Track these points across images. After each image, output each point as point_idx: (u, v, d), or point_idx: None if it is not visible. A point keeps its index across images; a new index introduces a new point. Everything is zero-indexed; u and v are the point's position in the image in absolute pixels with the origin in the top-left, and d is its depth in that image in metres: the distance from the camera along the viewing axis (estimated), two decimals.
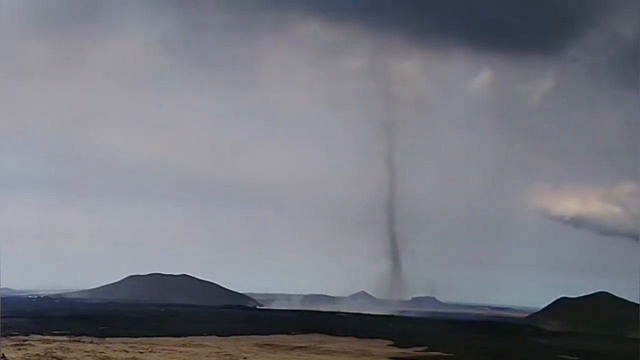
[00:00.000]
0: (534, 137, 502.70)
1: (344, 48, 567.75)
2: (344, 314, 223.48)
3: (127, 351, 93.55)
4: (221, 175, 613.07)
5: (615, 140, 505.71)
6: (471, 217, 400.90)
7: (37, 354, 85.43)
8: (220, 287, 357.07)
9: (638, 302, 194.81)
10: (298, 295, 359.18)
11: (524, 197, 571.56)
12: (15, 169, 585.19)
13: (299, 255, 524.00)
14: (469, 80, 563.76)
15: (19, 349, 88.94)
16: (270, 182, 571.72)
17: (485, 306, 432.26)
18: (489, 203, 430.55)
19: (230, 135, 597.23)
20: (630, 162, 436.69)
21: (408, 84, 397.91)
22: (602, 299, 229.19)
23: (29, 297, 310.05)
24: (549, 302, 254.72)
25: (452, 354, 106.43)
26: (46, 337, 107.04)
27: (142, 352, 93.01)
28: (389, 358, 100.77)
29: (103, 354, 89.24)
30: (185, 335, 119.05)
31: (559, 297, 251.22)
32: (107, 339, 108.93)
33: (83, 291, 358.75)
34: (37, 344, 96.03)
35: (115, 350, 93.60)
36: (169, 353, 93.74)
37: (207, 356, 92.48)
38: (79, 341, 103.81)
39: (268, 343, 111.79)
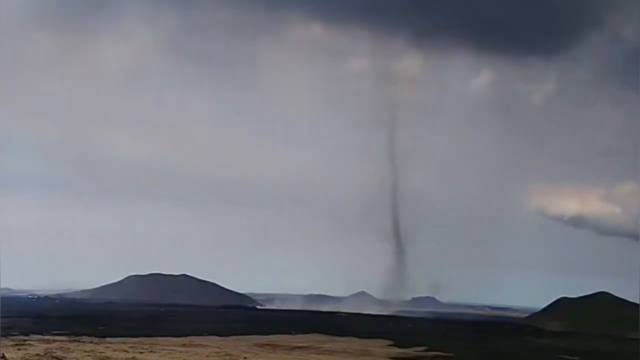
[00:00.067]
0: (534, 137, 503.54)
1: (345, 48, 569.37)
2: (344, 314, 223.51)
3: (127, 351, 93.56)
4: (221, 175, 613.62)
5: (616, 140, 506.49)
6: (471, 217, 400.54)
7: (37, 354, 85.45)
8: (220, 287, 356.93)
9: (638, 302, 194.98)
10: (298, 295, 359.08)
11: (524, 197, 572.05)
12: (15, 169, 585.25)
13: (299, 255, 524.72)
14: (470, 80, 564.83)
15: (19, 349, 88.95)
16: (270, 182, 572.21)
17: (485, 306, 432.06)
18: (489, 203, 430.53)
19: (231, 135, 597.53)
20: (631, 162, 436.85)
21: (408, 85, 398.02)
22: (602, 299, 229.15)
23: (29, 297, 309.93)
24: (549, 302, 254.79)
25: (452, 354, 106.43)
26: (46, 337, 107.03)
27: (142, 352, 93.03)
28: (389, 358, 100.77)
29: (103, 354, 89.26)
30: (185, 335, 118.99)
31: (559, 297, 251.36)
32: (107, 339, 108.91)
33: (83, 291, 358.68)
34: (37, 344, 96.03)
35: (115, 350, 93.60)
36: (169, 353, 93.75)
37: (207, 356, 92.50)
38: (79, 341, 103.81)
39: (268, 343, 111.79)
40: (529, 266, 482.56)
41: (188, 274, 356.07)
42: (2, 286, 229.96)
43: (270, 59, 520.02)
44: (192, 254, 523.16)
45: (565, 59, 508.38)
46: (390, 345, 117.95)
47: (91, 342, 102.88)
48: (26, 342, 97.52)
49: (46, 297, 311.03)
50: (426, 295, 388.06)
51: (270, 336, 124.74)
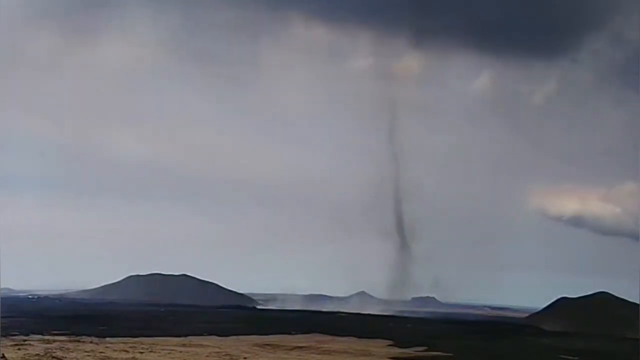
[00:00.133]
0: (534, 137, 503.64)
1: (345, 48, 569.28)
2: (344, 314, 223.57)
3: (127, 351, 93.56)
4: (221, 175, 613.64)
5: (616, 140, 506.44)
6: (472, 217, 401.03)
7: (37, 354, 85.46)
8: (220, 287, 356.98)
9: (638, 302, 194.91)
10: (298, 295, 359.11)
11: (524, 197, 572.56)
12: (15, 169, 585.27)
13: (299, 255, 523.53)
14: (470, 80, 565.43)
15: (19, 349, 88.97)
16: (270, 182, 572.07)
17: (485, 306, 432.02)
18: (489, 203, 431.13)
19: (231, 135, 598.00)
20: (631, 162, 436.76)
21: (409, 85, 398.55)
22: (602, 299, 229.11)
23: (29, 297, 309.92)
24: (549, 302, 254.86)
25: (452, 354, 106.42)
26: (46, 337, 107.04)
27: (142, 352, 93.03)
28: (389, 358, 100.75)
29: (103, 354, 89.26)
30: (185, 335, 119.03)
31: (559, 297, 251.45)
32: (107, 339, 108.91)
33: (83, 291, 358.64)
34: (37, 344, 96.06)
35: (115, 350, 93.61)
36: (169, 353, 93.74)
37: (207, 356, 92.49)
38: (79, 341, 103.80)
39: (268, 343, 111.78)
40: (529, 266, 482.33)
41: (188, 274, 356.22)
42: (2, 286, 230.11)
43: (270, 59, 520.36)
44: (192, 254, 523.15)
45: (565, 59, 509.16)
46: (390, 345, 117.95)
47: (91, 342, 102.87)
48: (26, 342, 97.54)
49: (46, 297, 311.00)
50: (426, 295, 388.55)
51: (270, 336, 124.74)
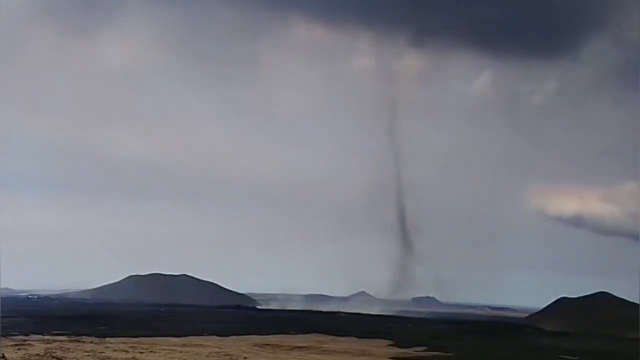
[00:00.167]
0: (534, 137, 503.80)
1: (345, 48, 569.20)
2: (344, 314, 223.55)
3: (127, 351, 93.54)
4: (221, 175, 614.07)
5: (616, 140, 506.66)
6: (472, 217, 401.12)
7: (37, 354, 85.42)
8: (220, 287, 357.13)
9: (638, 302, 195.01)
10: (298, 295, 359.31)
11: (524, 197, 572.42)
12: (15, 169, 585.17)
13: (299, 255, 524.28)
14: (471, 80, 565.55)
15: (19, 349, 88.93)
16: (270, 182, 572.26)
17: (485, 306, 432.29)
18: (489, 203, 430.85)
19: (231, 135, 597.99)
20: (631, 162, 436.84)
21: (409, 85, 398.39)
22: (602, 299, 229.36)
23: (29, 297, 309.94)
24: (549, 302, 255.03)
25: (452, 354, 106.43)
26: (46, 337, 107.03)
27: (142, 352, 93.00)
28: (389, 358, 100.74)
29: (103, 354, 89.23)
30: (185, 335, 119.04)
31: (559, 297, 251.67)
32: (107, 339, 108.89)
33: (83, 291, 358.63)
34: (37, 344, 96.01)
35: (115, 350, 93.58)
36: (169, 353, 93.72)
37: (207, 356, 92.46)
38: (79, 341, 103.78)
39: (268, 343, 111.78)
40: (529, 266, 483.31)
41: (188, 274, 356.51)
42: (2, 286, 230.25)
43: (270, 59, 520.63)
44: (192, 254, 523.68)
45: (565, 59, 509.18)
46: (390, 345, 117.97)
47: (91, 342, 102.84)
48: (26, 342, 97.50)
49: (46, 297, 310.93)
50: (426, 295, 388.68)
51: (270, 336, 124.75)
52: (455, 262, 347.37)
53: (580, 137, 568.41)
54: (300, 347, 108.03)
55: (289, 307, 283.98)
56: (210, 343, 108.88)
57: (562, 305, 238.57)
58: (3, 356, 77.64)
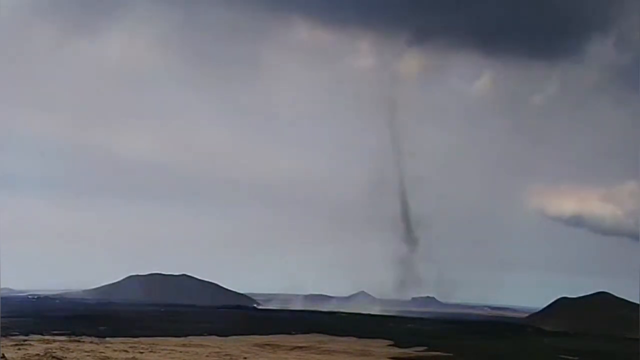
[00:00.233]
0: (535, 137, 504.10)
1: (345, 48, 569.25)
2: (344, 314, 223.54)
3: (127, 351, 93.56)
4: (221, 175, 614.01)
5: (616, 140, 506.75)
6: (472, 217, 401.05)
7: (37, 354, 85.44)
8: (220, 287, 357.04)
9: (638, 302, 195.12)
10: (298, 295, 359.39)
11: (524, 197, 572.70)
12: (15, 169, 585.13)
13: (299, 255, 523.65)
14: (471, 80, 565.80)
15: (19, 349, 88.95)
16: (270, 182, 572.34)
17: (485, 306, 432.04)
18: (489, 203, 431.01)
19: (231, 135, 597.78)
20: (631, 162, 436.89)
21: (409, 85, 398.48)
22: (602, 299, 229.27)
23: (29, 297, 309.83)
24: (549, 302, 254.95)
25: (452, 354, 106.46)
26: (46, 337, 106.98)
27: (142, 352, 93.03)
28: (389, 358, 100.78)
29: (103, 354, 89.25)
30: (185, 335, 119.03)
31: (559, 297, 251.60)
32: (107, 339, 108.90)
33: (83, 291, 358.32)
34: (37, 344, 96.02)
35: (115, 350, 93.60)
36: (169, 353, 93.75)
37: (207, 356, 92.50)
38: (79, 341, 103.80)
39: (268, 343, 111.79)
40: (529, 266, 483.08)
41: (188, 274, 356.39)
42: (2, 286, 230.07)
43: (270, 59, 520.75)
44: (192, 254, 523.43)
45: (566, 59, 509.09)
46: (390, 345, 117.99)
47: (91, 342, 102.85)
48: (26, 342, 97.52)
49: (46, 297, 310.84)
50: (426, 295, 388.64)
51: (270, 336, 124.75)
52: (456, 262, 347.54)
53: (580, 137, 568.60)
54: (300, 347, 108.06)
55: (289, 307, 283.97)
56: (210, 343, 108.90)
57: (562, 305, 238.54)
58: (3, 356, 77.66)
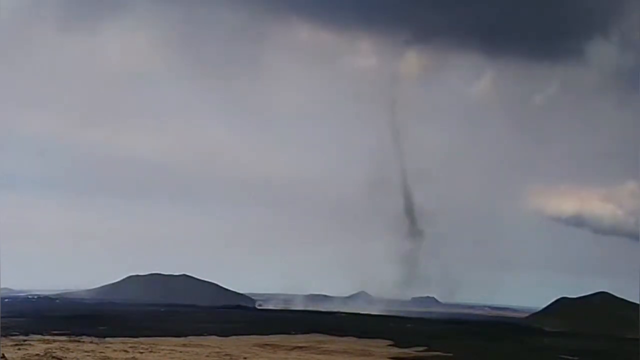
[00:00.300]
0: (535, 138, 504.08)
1: (345, 48, 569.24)
2: (344, 314, 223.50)
3: (127, 351, 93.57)
4: (221, 175, 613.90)
5: (616, 140, 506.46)
6: (472, 217, 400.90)
7: (37, 354, 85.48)
8: (220, 287, 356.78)
9: (638, 302, 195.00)
10: (298, 295, 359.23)
11: (524, 197, 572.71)
12: (15, 169, 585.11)
13: (299, 255, 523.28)
14: (472, 80, 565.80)
15: (19, 349, 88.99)
16: (270, 182, 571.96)
17: (485, 306, 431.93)
18: (489, 203, 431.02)
19: (231, 135, 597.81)
20: (631, 163, 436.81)
21: (409, 85, 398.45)
22: (602, 299, 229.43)
23: (29, 297, 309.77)
24: (549, 302, 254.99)
25: (452, 354, 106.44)
26: (46, 337, 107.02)
27: (142, 352, 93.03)
28: (389, 358, 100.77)
29: (103, 354, 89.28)
30: (185, 335, 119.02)
31: (559, 297, 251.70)
32: (107, 339, 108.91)
33: (83, 291, 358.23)
34: (37, 344, 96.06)
35: (115, 350, 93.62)
36: (169, 353, 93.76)
37: (207, 356, 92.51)
38: (79, 341, 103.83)
39: (268, 343, 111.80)
40: (529, 266, 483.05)
41: (188, 274, 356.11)
42: (2, 286, 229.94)
43: (270, 59, 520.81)
44: (192, 254, 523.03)
45: (567, 60, 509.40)
46: (390, 345, 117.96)
47: (91, 342, 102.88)
48: (26, 342, 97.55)
49: (46, 297, 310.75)
50: (426, 295, 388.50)
51: (270, 336, 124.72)
52: (455, 262, 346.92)
53: (581, 137, 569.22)
54: (300, 347, 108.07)
55: (289, 307, 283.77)
56: (210, 343, 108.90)
57: (562, 305, 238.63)
58: (3, 356, 77.66)
